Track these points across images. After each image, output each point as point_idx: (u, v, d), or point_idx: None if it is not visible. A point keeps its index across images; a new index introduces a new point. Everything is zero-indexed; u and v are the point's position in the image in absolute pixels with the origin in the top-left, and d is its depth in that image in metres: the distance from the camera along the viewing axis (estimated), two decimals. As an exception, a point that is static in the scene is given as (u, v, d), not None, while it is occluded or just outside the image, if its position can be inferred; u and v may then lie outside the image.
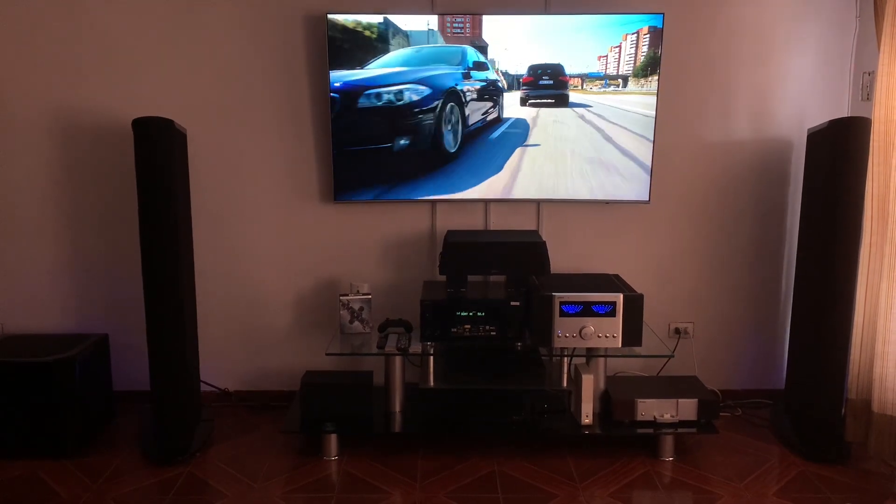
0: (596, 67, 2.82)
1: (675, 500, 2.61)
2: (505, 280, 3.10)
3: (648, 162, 3.16)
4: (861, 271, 2.86)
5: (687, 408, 2.91)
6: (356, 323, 3.09)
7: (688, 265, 3.40)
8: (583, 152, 3.05)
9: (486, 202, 3.29)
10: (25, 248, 3.30)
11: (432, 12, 3.11)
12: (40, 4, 3.13)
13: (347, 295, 3.09)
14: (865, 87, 3.15)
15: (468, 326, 2.86)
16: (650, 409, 2.91)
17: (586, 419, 2.91)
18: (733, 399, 3.47)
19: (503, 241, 2.93)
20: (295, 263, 3.36)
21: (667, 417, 2.91)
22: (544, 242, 2.91)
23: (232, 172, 3.29)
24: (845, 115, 3.26)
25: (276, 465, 2.87)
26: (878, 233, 2.81)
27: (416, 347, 2.91)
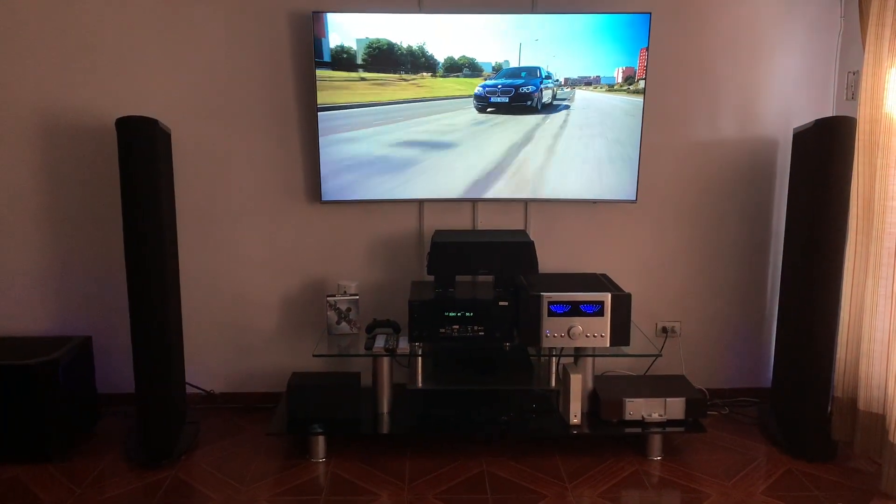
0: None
1: (664, 500, 2.61)
2: (493, 280, 3.09)
3: (636, 161, 3.17)
4: (847, 270, 2.88)
5: (675, 407, 2.92)
6: (343, 324, 3.07)
7: (675, 264, 3.41)
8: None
9: (474, 202, 3.28)
10: (7, 248, 3.25)
11: (419, 11, 3.11)
12: (22, 0, 3.08)
13: (334, 295, 3.07)
14: (850, 86, 3.17)
15: (457, 327, 2.85)
16: (638, 408, 2.91)
17: (575, 419, 2.91)
18: (720, 398, 3.48)
19: (491, 241, 2.92)
20: (281, 264, 3.33)
21: (655, 417, 2.91)
22: (532, 242, 2.90)
23: (217, 172, 3.26)
24: (830, 114, 3.28)
25: (263, 467, 2.85)
26: (863, 232, 2.83)
27: (404, 348, 2.89)
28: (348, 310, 3.07)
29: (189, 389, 3.31)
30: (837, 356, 2.93)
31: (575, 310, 2.81)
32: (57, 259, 3.28)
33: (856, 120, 2.78)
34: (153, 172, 2.73)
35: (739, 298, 3.44)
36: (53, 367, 2.85)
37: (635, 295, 3.38)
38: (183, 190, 3.25)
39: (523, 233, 3.14)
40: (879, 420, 2.76)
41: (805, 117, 3.27)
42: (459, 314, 2.85)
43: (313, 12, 3.00)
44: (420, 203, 3.28)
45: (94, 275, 3.29)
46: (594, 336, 2.83)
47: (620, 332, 2.83)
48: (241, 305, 3.36)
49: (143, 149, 2.70)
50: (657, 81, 3.22)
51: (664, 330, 3.45)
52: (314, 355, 2.90)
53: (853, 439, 2.88)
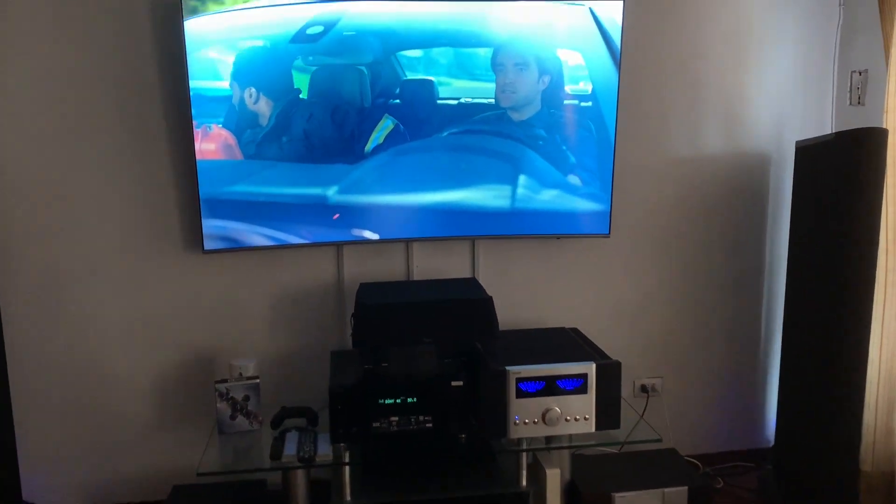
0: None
1: None
2: (437, 349, 2.36)
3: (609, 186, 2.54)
4: (875, 316, 2.33)
5: (675, 499, 2.29)
6: (240, 418, 2.27)
7: (654, 308, 2.79)
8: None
9: (408, 242, 2.56)
10: None
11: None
12: None
13: (226, 381, 2.27)
14: (856, 88, 2.64)
15: (395, 418, 2.11)
16: (631, 504, 2.27)
17: (553, 526, 2.23)
18: (709, 464, 2.88)
19: (436, 299, 2.21)
20: (152, 335, 2.51)
21: (652, 514, 2.27)
22: (490, 298, 2.21)
23: (59, 213, 2.42)
24: (829, 122, 2.74)
25: None
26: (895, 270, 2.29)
27: (324, 450, 2.12)
28: (246, 398, 2.27)
29: (30, 510, 2.44)
30: (865, 421, 2.38)
31: (550, 387, 2.13)
32: None
33: (887, 132, 2.23)
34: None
35: (729, 345, 2.86)
36: None
37: (609, 349, 2.73)
38: (8, 237, 2.38)
39: (474, 283, 2.44)
40: (929, 504, 2.22)
41: (799, 126, 2.72)
42: (398, 401, 2.11)
43: (180, 0, 2.21)
44: (338, 247, 2.53)
45: None
46: (576, 419, 2.15)
47: (609, 413, 2.17)
48: (99, 392, 2.51)
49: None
50: (630, 87, 2.59)
51: (643, 388, 2.82)
52: (199, 474, 2.08)
53: (890, 524, 2.34)
